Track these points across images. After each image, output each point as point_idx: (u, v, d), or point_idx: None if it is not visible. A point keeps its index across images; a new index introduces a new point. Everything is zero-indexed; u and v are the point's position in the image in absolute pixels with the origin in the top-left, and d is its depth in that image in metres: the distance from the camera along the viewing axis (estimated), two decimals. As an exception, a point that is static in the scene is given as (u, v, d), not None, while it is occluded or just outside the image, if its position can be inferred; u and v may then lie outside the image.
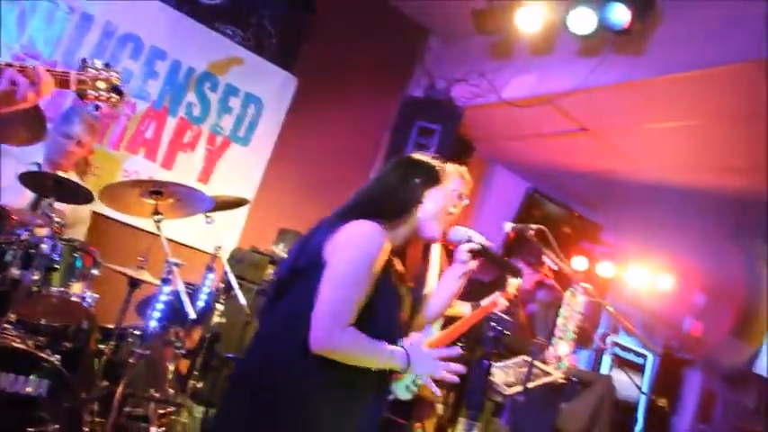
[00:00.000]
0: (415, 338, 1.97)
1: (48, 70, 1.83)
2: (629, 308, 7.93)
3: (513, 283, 3.86)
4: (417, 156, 2.27)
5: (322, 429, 1.92)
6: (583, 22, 4.21)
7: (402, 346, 1.96)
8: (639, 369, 8.31)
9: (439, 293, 2.27)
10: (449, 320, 3.62)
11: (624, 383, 6.51)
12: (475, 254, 2.18)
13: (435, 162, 2.23)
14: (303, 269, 1.99)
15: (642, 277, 7.25)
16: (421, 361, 1.95)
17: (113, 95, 1.96)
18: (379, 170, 2.22)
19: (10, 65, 1.77)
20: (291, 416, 1.88)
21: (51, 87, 1.82)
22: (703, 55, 3.97)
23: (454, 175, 2.25)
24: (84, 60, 1.93)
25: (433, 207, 2.13)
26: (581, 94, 4.61)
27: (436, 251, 3.54)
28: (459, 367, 1.95)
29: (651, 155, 5.54)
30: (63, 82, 1.88)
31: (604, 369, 7.18)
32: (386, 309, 2.00)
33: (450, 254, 4.81)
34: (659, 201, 6.32)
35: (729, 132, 4.70)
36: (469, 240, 2.15)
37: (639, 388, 6.77)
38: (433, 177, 2.18)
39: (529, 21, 4.52)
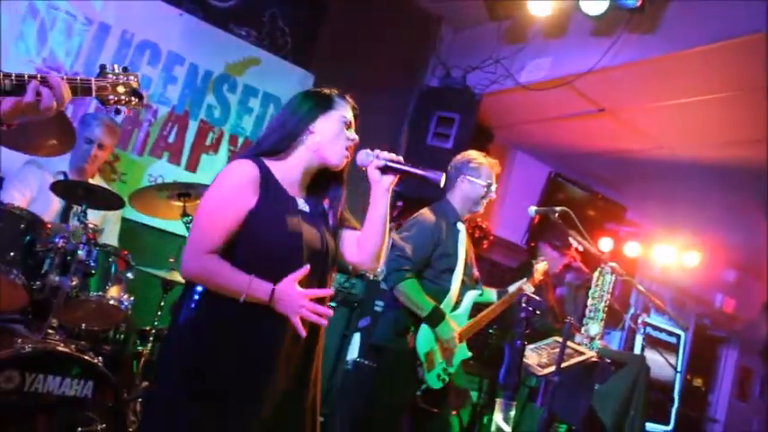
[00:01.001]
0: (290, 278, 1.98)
1: (68, 79, 1.88)
2: (659, 287, 7.90)
3: (540, 269, 3.89)
4: (310, 89, 2.36)
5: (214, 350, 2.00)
6: (595, 2, 4.21)
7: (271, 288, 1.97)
8: (673, 348, 8.25)
9: (369, 221, 2.24)
10: (477, 308, 3.65)
11: (659, 363, 6.50)
12: (384, 170, 2.17)
13: (324, 91, 2.28)
14: None
15: (669, 255, 7.21)
16: (285, 298, 1.95)
17: (134, 99, 2.01)
18: None
19: (33, 77, 1.82)
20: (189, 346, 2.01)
21: (70, 96, 1.87)
22: (718, 28, 3.94)
23: (344, 105, 2.27)
24: (102, 66, 1.98)
25: (326, 133, 2.19)
26: (597, 75, 4.59)
27: (462, 231, 3.57)
28: (325, 309, 1.97)
29: (671, 132, 5.50)
30: (84, 89, 1.93)
31: (637, 350, 7.14)
32: (268, 235, 2.06)
33: (475, 239, 4.80)
34: (682, 177, 6.28)
35: (751, 104, 4.66)
36: (377, 158, 2.16)
37: (674, 367, 6.75)
38: (319, 105, 2.22)
39: (541, 4, 4.52)
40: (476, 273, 3.70)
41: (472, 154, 3.66)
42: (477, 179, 3.54)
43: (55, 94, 1.83)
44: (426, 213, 3.51)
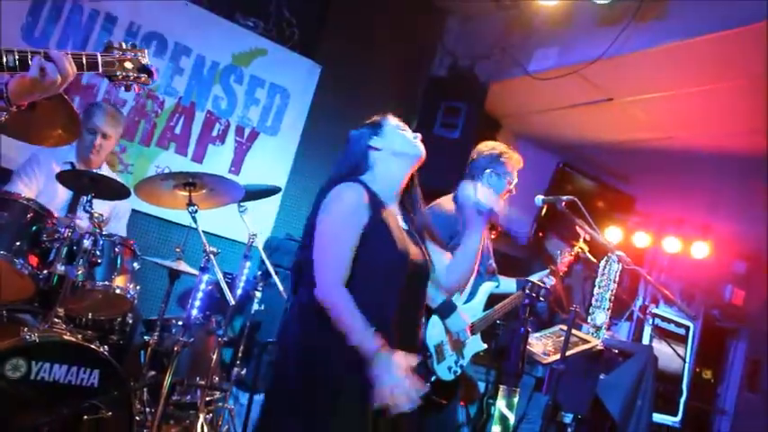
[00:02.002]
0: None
1: (74, 54, 1.86)
2: (668, 278, 7.85)
3: (565, 261, 3.81)
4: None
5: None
6: (604, -11, 4.18)
7: (381, 345, 1.99)
8: (682, 340, 8.21)
9: (463, 252, 2.43)
10: (495, 300, 3.60)
11: (667, 355, 6.48)
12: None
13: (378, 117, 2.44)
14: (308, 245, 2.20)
15: (678, 246, 7.16)
16: (385, 366, 1.95)
17: (143, 75, 1.98)
18: None
19: (37, 52, 1.81)
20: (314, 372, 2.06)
21: (75, 70, 1.85)
22: (728, 15, 3.90)
23: (391, 119, 2.43)
24: (109, 42, 1.96)
25: (390, 141, 2.34)
26: (605, 64, 4.55)
27: None
28: (416, 397, 1.95)
29: (681, 121, 5.46)
30: (91, 64, 1.90)
31: (645, 341, 7.11)
32: (379, 253, 2.14)
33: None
34: (692, 168, 6.22)
35: (762, 92, 4.61)
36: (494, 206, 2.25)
37: (682, 357, 6.71)
38: (370, 128, 2.39)
39: (548, -8, 4.49)
40: (492, 264, 3.66)
41: (501, 147, 3.59)
42: (503, 175, 3.49)
43: (59, 68, 1.81)
44: (444, 202, 3.48)
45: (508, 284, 3.72)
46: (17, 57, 1.79)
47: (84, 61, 1.88)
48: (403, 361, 1.95)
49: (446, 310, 3.22)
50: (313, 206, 2.25)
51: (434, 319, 3.23)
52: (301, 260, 2.21)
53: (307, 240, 2.21)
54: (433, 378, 3.23)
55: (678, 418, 7.42)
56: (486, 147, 3.63)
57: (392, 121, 2.43)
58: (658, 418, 6.81)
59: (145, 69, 1.98)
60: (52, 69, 1.80)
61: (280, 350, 2.29)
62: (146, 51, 2.00)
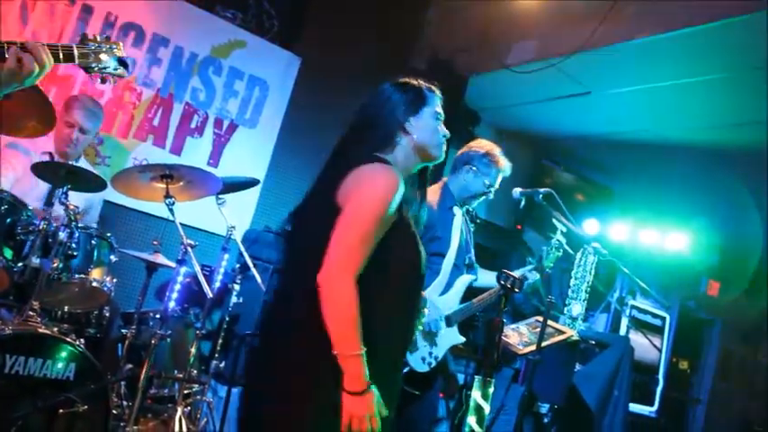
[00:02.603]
0: None
1: (49, 45, 1.85)
2: (644, 269, 7.94)
3: (553, 257, 3.81)
4: (400, 81, 2.19)
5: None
6: (582, -18, 4.21)
7: (369, 376, 1.79)
8: (658, 331, 8.31)
9: None
10: (475, 293, 3.60)
11: (644, 346, 6.57)
12: None
13: (413, 84, 2.17)
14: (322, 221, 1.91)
15: (655, 238, 7.24)
16: (370, 403, 1.77)
17: (119, 68, 1.98)
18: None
19: (13, 43, 1.80)
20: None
21: (51, 61, 1.84)
22: (704, 10, 3.95)
23: (435, 98, 2.18)
24: (84, 35, 1.96)
25: (423, 132, 2.09)
26: (583, 57, 4.58)
27: (459, 216, 3.55)
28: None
29: (658, 114, 5.51)
30: (67, 56, 1.89)
31: (622, 332, 7.19)
32: (404, 253, 1.96)
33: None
34: (670, 160, 6.29)
35: (737, 87, 4.67)
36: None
37: (658, 348, 6.80)
38: (413, 102, 2.11)
39: (528, -14, 4.51)
40: (471, 258, 3.67)
41: (492, 149, 3.54)
42: (481, 174, 3.48)
43: (36, 59, 1.80)
44: None
45: (490, 278, 3.71)
46: None
47: (61, 53, 1.88)
48: (377, 408, 1.79)
49: None
50: (328, 177, 1.99)
51: None
52: (317, 235, 1.89)
53: (320, 213, 1.93)
54: (405, 369, 3.23)
55: (654, 408, 7.52)
56: (477, 144, 3.62)
57: (436, 102, 2.16)
58: (635, 408, 6.90)
59: (120, 62, 1.99)
60: (29, 60, 1.79)
61: (280, 334, 1.94)
62: (121, 44, 2.00)
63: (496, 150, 3.55)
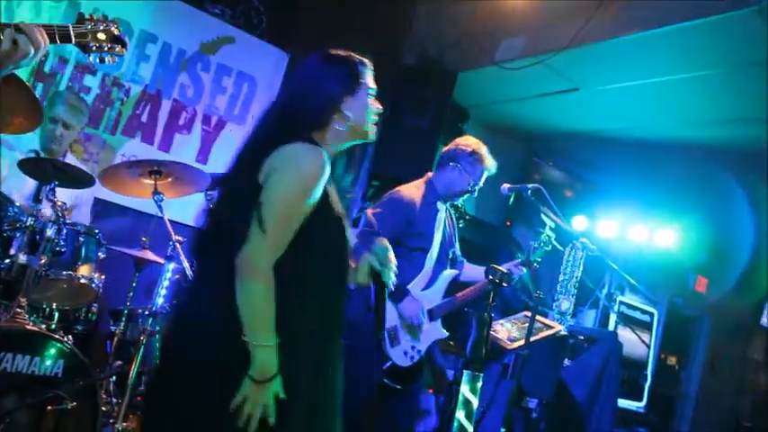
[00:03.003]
0: None
1: (45, 26, 1.84)
2: (633, 265, 7.99)
3: (540, 252, 3.82)
4: (331, 54, 2.06)
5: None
6: (570, -21, 4.23)
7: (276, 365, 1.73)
8: (647, 327, 8.37)
9: None
10: (459, 287, 3.62)
11: (632, 341, 6.60)
12: None
13: (345, 58, 2.05)
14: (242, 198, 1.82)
15: (644, 234, 7.28)
16: (267, 391, 1.72)
17: (116, 45, 1.98)
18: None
19: (7, 25, 1.79)
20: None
21: (47, 42, 1.82)
22: (690, 6, 3.97)
23: (368, 72, 2.07)
24: (80, 14, 1.95)
25: (357, 111, 1.99)
26: (572, 53, 4.60)
27: (442, 211, 3.56)
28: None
29: (647, 110, 5.55)
30: (63, 36, 1.89)
31: (611, 327, 7.25)
32: (327, 237, 1.89)
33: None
34: (658, 156, 6.33)
35: (724, 83, 4.71)
36: None
37: (646, 344, 6.85)
38: (348, 80, 2.00)
39: (517, -17, 4.52)
40: (455, 252, 3.69)
41: (478, 147, 3.54)
42: (465, 173, 3.49)
43: (31, 39, 1.80)
44: (402, 190, 3.50)
45: (477, 273, 3.72)
46: None
47: (57, 33, 1.87)
48: (275, 384, 1.74)
49: (398, 294, 3.24)
50: (251, 156, 1.87)
51: (387, 303, 3.24)
52: (235, 215, 1.80)
53: (240, 192, 1.84)
54: (388, 363, 3.24)
55: (643, 404, 7.58)
56: (463, 141, 3.62)
57: (370, 79, 2.06)
58: (623, 403, 6.95)
59: (118, 40, 1.98)
60: (25, 42, 1.78)
61: (191, 317, 1.86)
62: (117, 23, 1.99)
63: (483, 149, 3.55)
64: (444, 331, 3.46)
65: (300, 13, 5.49)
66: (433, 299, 3.44)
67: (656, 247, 7.28)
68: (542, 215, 3.62)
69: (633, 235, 7.26)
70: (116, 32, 1.97)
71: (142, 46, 4.80)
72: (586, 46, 4.52)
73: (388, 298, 3.22)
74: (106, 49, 1.97)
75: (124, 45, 1.99)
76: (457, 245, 3.72)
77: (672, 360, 8.88)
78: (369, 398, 1.91)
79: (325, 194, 1.86)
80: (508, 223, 6.35)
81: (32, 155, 3.59)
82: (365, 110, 2.01)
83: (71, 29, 1.91)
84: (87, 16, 1.96)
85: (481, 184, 3.56)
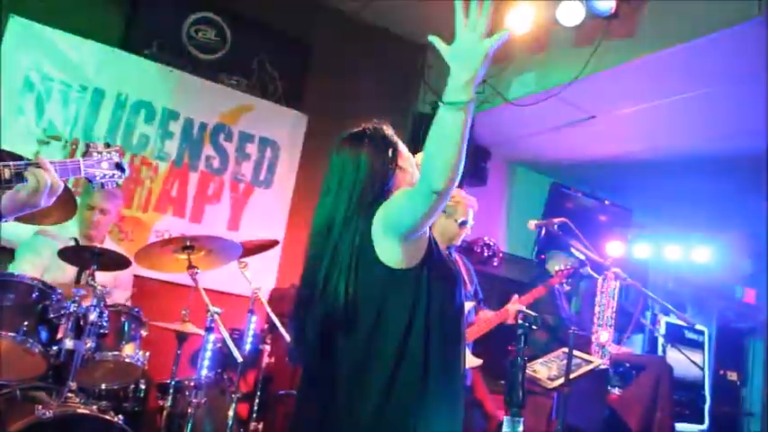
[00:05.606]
0: None
1: (58, 162, 1.93)
2: (675, 285, 7.86)
3: (540, 290, 3.84)
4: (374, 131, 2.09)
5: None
6: (571, 13, 4.32)
7: None
8: (699, 345, 8.17)
9: None
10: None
11: (686, 362, 6.43)
12: None
13: (374, 134, 2.09)
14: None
15: (679, 253, 7.19)
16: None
17: (116, 172, 2.11)
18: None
19: (30, 163, 1.84)
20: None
21: (62, 186, 1.90)
22: (694, 25, 4.01)
23: (395, 137, 2.12)
24: (87, 145, 2.10)
25: (404, 181, 2.04)
26: (582, 84, 4.64)
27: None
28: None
29: (663, 130, 5.54)
30: (75, 170, 2.01)
31: (659, 350, 7.10)
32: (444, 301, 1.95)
33: (484, 258, 4.80)
34: (682, 173, 6.29)
35: (742, 95, 4.69)
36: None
37: (697, 364, 6.67)
38: (388, 160, 2.03)
39: (520, 21, 4.60)
40: (476, 290, 3.72)
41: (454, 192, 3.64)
42: (451, 216, 3.53)
43: (50, 176, 1.86)
44: None
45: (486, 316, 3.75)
46: (13, 170, 1.82)
47: (69, 167, 1.99)
48: None
49: None
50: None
51: None
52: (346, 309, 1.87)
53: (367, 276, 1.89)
54: None
55: (705, 426, 7.34)
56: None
57: (395, 137, 2.14)
58: (684, 427, 6.75)
59: (118, 167, 2.12)
60: (44, 178, 1.82)
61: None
62: (119, 147, 2.17)
63: (458, 192, 3.59)
64: (477, 359, 3.47)
65: (315, 73, 5.66)
66: None
67: (694, 263, 7.17)
68: (572, 249, 3.63)
69: (669, 254, 7.17)
70: (117, 160, 2.11)
71: (165, 124, 4.99)
72: (595, 75, 4.56)
73: None
74: (109, 177, 2.10)
75: (123, 171, 2.13)
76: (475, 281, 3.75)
77: (732, 376, 8.63)
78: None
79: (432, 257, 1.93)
80: (542, 257, 6.32)
81: (72, 242, 3.73)
82: (411, 176, 2.05)
83: (80, 164, 2.02)
84: (92, 147, 2.09)
85: (471, 220, 3.58)
